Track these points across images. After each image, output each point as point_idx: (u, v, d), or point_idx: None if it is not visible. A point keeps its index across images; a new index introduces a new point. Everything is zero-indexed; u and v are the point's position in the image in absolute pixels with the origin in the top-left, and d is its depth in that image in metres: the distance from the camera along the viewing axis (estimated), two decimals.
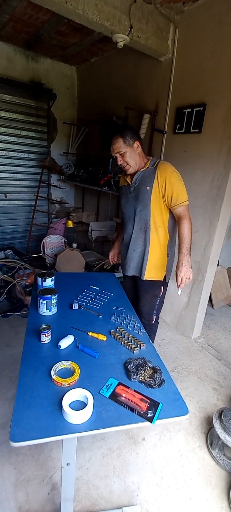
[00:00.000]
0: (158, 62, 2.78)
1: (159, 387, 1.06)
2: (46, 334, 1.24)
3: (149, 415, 0.94)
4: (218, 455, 1.68)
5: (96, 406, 0.95)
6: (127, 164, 1.71)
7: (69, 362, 1.12)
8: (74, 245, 3.79)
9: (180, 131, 2.62)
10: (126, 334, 1.36)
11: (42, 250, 3.88)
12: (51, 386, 1.03)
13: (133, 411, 0.95)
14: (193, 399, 2.12)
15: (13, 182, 4.16)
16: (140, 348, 1.27)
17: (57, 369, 1.09)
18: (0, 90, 3.68)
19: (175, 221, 1.77)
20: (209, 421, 1.93)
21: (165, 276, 1.85)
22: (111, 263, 2.22)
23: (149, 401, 0.99)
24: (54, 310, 1.48)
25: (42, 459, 1.59)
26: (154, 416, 0.94)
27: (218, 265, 3.43)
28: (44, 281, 1.57)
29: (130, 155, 1.69)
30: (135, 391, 1.03)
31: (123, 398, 1.00)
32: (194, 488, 1.54)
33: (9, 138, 3.93)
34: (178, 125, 2.62)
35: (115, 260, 2.19)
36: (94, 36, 3.08)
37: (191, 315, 2.80)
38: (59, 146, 4.42)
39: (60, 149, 4.41)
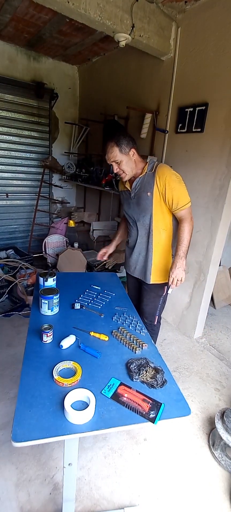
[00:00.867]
0: (159, 61, 2.77)
1: (161, 387, 1.06)
2: (48, 334, 1.24)
3: (151, 415, 0.94)
4: (220, 455, 1.68)
5: (98, 407, 0.95)
6: (123, 172, 1.69)
7: (71, 362, 1.12)
8: (76, 244, 3.79)
9: (182, 131, 2.61)
10: (128, 334, 1.36)
11: (43, 250, 3.88)
12: (53, 386, 1.02)
13: (135, 412, 0.95)
14: (195, 400, 2.11)
15: (14, 182, 4.17)
16: (142, 348, 1.27)
17: (59, 369, 1.09)
18: (2, 90, 3.69)
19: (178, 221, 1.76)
20: (211, 421, 1.92)
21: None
22: (100, 259, 2.15)
23: (151, 401, 0.99)
24: (56, 310, 1.48)
25: (43, 459, 1.59)
26: (156, 416, 0.93)
27: (220, 265, 3.42)
28: (46, 281, 1.57)
29: (126, 163, 1.66)
30: (137, 391, 1.03)
31: (124, 399, 0.99)
32: (196, 488, 1.54)
33: (10, 138, 3.94)
34: (180, 125, 2.61)
35: (104, 258, 2.12)
36: (96, 36, 3.08)
37: (193, 315, 2.79)
38: (61, 146, 4.42)
39: (61, 149, 4.41)
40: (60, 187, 4.49)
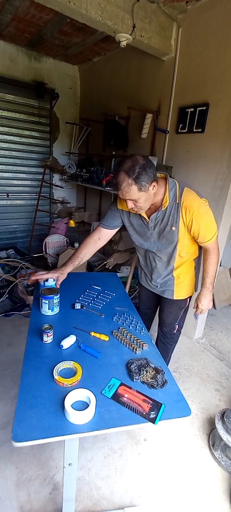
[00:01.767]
0: (160, 61, 2.77)
1: (161, 387, 1.05)
2: (48, 334, 1.24)
3: (152, 415, 0.94)
4: (220, 456, 1.68)
5: (99, 407, 0.95)
6: (140, 208, 1.39)
7: (72, 362, 1.12)
8: (76, 245, 3.79)
9: (182, 131, 2.61)
10: (128, 334, 1.36)
11: (44, 250, 3.88)
12: (53, 386, 1.02)
13: (135, 412, 0.95)
14: (195, 400, 2.11)
15: (15, 182, 4.17)
16: (142, 348, 1.27)
17: (60, 369, 1.09)
18: (2, 89, 3.69)
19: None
20: (211, 422, 1.92)
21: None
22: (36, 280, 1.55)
23: (151, 401, 0.99)
24: (56, 310, 1.48)
25: (44, 459, 1.59)
26: (156, 417, 0.93)
27: (220, 266, 3.42)
28: (46, 280, 1.57)
29: (144, 201, 1.34)
30: (137, 391, 1.03)
31: (125, 399, 0.99)
32: (196, 489, 1.54)
33: (11, 137, 3.94)
34: (181, 125, 2.61)
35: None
36: (97, 36, 3.08)
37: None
38: (62, 146, 4.42)
39: (62, 149, 4.42)
40: (60, 187, 4.49)
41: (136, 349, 1.25)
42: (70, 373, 1.08)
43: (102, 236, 1.67)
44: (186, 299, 1.74)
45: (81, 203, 4.68)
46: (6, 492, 1.43)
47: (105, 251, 4.00)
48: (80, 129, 4.23)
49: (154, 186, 1.34)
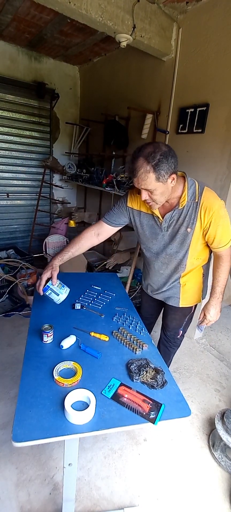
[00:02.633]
0: (161, 62, 2.78)
1: (161, 388, 1.06)
2: (48, 334, 1.24)
3: (152, 416, 0.94)
4: (220, 456, 1.68)
5: (99, 407, 0.95)
6: (154, 202, 1.29)
7: (72, 362, 1.12)
8: None
9: (182, 131, 2.61)
10: (128, 334, 1.36)
11: (44, 250, 3.88)
12: (53, 386, 1.02)
13: (135, 412, 0.95)
14: (195, 400, 2.11)
15: (15, 182, 4.17)
16: (142, 348, 1.27)
17: (60, 369, 1.09)
18: (3, 90, 3.69)
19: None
20: (211, 422, 1.92)
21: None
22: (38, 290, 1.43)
23: (151, 402, 0.99)
24: (63, 291, 1.42)
25: (43, 459, 1.59)
26: (156, 417, 0.93)
27: None
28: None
29: (161, 194, 1.25)
30: (137, 392, 1.03)
31: (125, 399, 0.99)
32: (196, 489, 1.54)
33: (11, 138, 3.94)
34: (181, 125, 2.62)
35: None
36: (97, 36, 3.08)
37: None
38: (62, 146, 4.42)
39: (62, 149, 4.42)
40: (61, 187, 4.49)
41: (136, 349, 1.25)
42: (70, 373, 1.08)
43: (102, 232, 1.57)
44: (192, 307, 1.67)
45: (81, 203, 4.68)
46: (6, 492, 1.43)
47: (105, 251, 4.01)
48: (80, 129, 4.24)
49: (173, 179, 1.24)
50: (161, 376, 1.09)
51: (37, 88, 3.86)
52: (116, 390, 1.03)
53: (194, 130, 2.49)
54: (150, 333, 1.63)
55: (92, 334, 1.34)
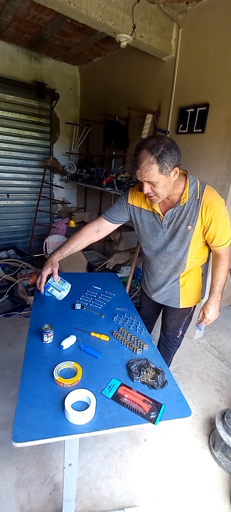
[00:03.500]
0: (161, 62, 2.78)
1: (161, 388, 1.05)
2: (49, 334, 1.23)
3: (152, 416, 0.94)
4: (220, 456, 1.68)
5: (99, 407, 0.95)
6: (156, 195, 1.29)
7: (72, 362, 1.12)
8: None
9: (182, 131, 2.61)
10: (128, 334, 1.36)
11: (44, 250, 3.88)
12: (53, 386, 1.02)
13: (136, 412, 0.95)
14: (195, 400, 2.11)
15: (15, 182, 4.17)
16: (142, 349, 1.27)
17: (60, 370, 1.09)
18: (3, 90, 3.69)
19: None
20: (212, 422, 1.92)
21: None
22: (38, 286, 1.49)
23: (151, 402, 0.99)
24: (65, 287, 1.45)
25: (44, 459, 1.59)
26: (156, 417, 0.93)
27: None
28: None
29: (163, 187, 1.24)
30: (138, 392, 1.03)
31: (125, 399, 0.99)
32: (196, 489, 1.54)
33: (11, 138, 3.94)
34: (181, 125, 2.62)
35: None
36: (97, 36, 3.09)
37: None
38: (62, 146, 4.42)
39: (62, 149, 4.42)
40: (61, 187, 4.49)
41: (136, 349, 1.24)
42: (70, 374, 1.08)
43: (102, 228, 1.57)
44: (191, 307, 1.68)
45: (81, 203, 4.68)
46: (6, 493, 1.43)
47: (105, 252, 4.01)
48: (80, 129, 4.24)
49: (176, 172, 1.23)
50: (161, 376, 1.09)
51: (37, 88, 3.87)
52: (116, 390, 1.03)
53: (194, 130, 2.49)
54: (150, 333, 1.63)
55: (92, 334, 1.34)
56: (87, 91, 4.26)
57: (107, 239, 3.86)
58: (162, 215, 1.39)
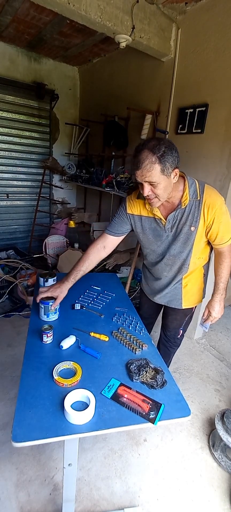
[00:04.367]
0: (160, 62, 2.78)
1: (161, 388, 1.05)
2: (48, 335, 1.24)
3: (151, 416, 0.94)
4: (220, 456, 1.68)
5: (98, 407, 0.95)
6: (156, 197, 1.27)
7: (71, 362, 1.12)
8: (76, 245, 3.79)
9: (182, 132, 2.62)
10: (128, 334, 1.36)
11: (44, 250, 3.88)
12: (53, 386, 1.02)
13: (135, 412, 0.95)
14: (195, 400, 2.11)
15: (15, 183, 4.17)
16: (142, 349, 1.27)
17: (59, 370, 1.09)
18: (2, 91, 3.70)
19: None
20: (211, 422, 1.92)
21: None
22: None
23: (151, 402, 0.99)
24: (52, 317, 1.41)
25: (43, 460, 1.59)
26: (156, 417, 0.93)
27: None
28: (46, 281, 1.57)
29: (164, 188, 1.23)
30: (137, 392, 1.03)
31: (124, 399, 0.99)
32: (196, 489, 1.54)
33: (11, 138, 3.95)
34: (180, 126, 2.62)
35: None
36: (96, 37, 3.09)
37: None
38: (61, 147, 4.43)
39: (62, 150, 4.42)
40: (60, 187, 4.50)
41: (136, 349, 1.25)
42: (70, 374, 1.08)
43: (108, 244, 1.55)
44: (193, 307, 1.69)
45: (81, 203, 4.69)
46: (6, 493, 1.43)
47: None
48: (80, 130, 4.24)
49: (176, 174, 1.24)
50: (160, 376, 1.09)
51: (36, 89, 3.87)
52: (116, 390, 1.03)
53: (193, 130, 2.49)
54: (149, 333, 1.63)
55: (92, 334, 1.34)
56: (86, 92, 4.26)
57: None
58: (164, 219, 1.38)
